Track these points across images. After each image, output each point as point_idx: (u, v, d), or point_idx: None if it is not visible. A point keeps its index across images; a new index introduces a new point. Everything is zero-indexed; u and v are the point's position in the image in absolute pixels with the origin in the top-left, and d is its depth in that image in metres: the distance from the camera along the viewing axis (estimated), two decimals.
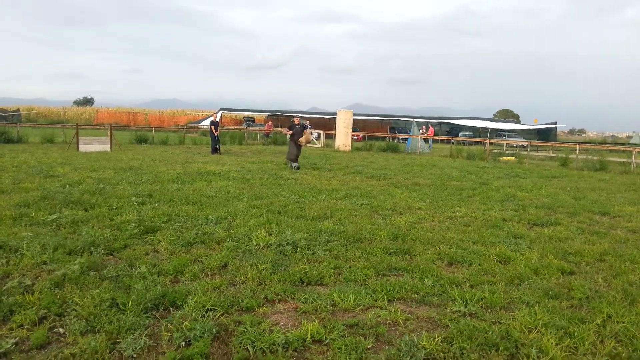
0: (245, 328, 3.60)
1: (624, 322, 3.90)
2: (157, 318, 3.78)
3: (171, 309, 3.95)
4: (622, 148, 27.67)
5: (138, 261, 5.08)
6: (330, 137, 33.16)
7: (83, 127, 28.80)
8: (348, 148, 27.68)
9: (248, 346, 3.35)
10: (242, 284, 4.61)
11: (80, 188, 9.34)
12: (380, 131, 48.49)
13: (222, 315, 3.85)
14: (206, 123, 43.49)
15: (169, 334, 3.47)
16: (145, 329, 3.55)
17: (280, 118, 56.43)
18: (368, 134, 36.84)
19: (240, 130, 36.15)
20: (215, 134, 21.11)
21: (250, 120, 56.00)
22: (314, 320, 3.78)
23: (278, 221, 7.14)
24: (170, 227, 6.55)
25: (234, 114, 60.31)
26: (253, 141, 32.40)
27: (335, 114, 34.76)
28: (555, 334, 3.64)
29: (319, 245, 5.92)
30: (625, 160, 21.23)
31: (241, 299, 4.18)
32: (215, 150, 20.96)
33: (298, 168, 15.17)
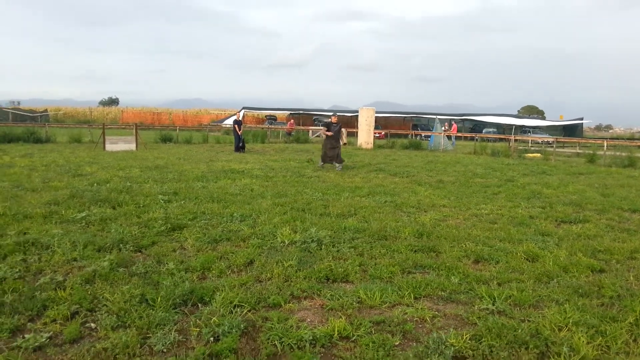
0: (272, 324, 3.62)
1: None
2: (186, 314, 3.83)
3: (199, 304, 3.99)
4: None
5: (166, 258, 5.15)
6: (352, 134, 33.12)
7: (109, 126, 29.32)
8: (370, 146, 27.61)
9: (276, 342, 3.37)
10: (268, 280, 4.64)
11: (108, 186, 9.51)
12: (402, 129, 48.23)
13: (249, 311, 3.88)
14: (229, 122, 43.88)
15: (198, 329, 3.52)
16: (175, 325, 3.61)
17: (302, 116, 56.53)
18: (390, 131, 36.66)
19: (262, 128, 36.36)
20: (239, 133, 21.27)
21: (272, 119, 56.24)
22: (341, 317, 3.79)
23: (302, 218, 7.16)
24: (196, 225, 6.63)
25: (256, 112, 60.63)
26: (275, 139, 32.56)
27: (356, 111, 34.70)
28: (586, 333, 3.58)
29: (344, 243, 5.92)
30: None
31: (268, 295, 4.21)
32: (239, 148, 21.12)
33: (322, 167, 14.95)
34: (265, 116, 58.69)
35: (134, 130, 22.54)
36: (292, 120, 42.82)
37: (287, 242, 5.87)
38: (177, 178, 11.26)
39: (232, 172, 12.85)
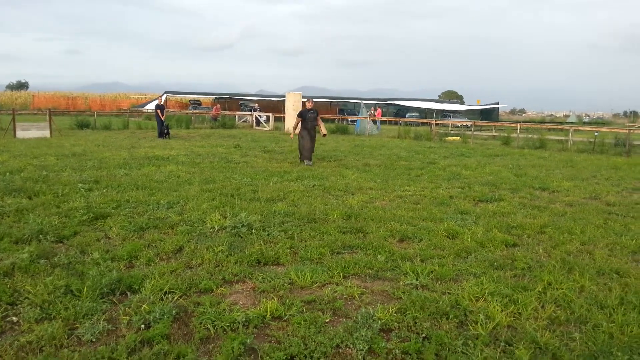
0: (204, 308, 3.64)
1: (562, 289, 4.19)
2: (115, 303, 3.75)
3: (128, 293, 3.92)
4: (559, 127, 29.05)
5: (90, 248, 4.98)
6: (279, 119, 33.04)
7: (19, 112, 27.37)
8: (297, 130, 27.69)
9: (209, 325, 3.39)
10: (199, 266, 4.62)
11: (22, 176, 8.97)
12: (329, 113, 48.65)
13: (180, 297, 3.87)
14: (150, 107, 42.33)
15: (128, 317, 3.46)
16: (103, 314, 3.53)
17: (228, 101, 55.58)
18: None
19: (187, 113, 35.41)
20: (162, 118, 20.62)
21: (196, 104, 54.84)
22: (273, 298, 3.86)
23: (232, 204, 7.14)
24: (121, 213, 6.43)
25: (179, 97, 58.87)
26: (200, 125, 31.82)
27: (283, 96, 34.61)
28: (500, 302, 3.88)
29: (274, 227, 5.99)
30: (562, 138, 22.34)
31: (199, 280, 4.20)
32: (162, 134, 20.49)
33: (310, 163, 12.42)
34: (189, 101, 57.14)
35: (48, 116, 21.23)
36: (217, 105, 41.94)
37: (217, 228, 5.85)
38: (97, 166, 10.80)
39: (157, 159, 12.49)
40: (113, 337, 3.23)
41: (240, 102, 55.65)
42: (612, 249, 5.48)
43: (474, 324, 3.52)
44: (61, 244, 5.16)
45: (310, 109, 12.92)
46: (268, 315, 3.58)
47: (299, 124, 12.95)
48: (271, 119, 31.58)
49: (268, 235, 5.66)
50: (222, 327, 3.39)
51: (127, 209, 6.64)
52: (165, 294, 3.88)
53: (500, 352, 3.15)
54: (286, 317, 3.59)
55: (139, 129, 25.92)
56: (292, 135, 13.13)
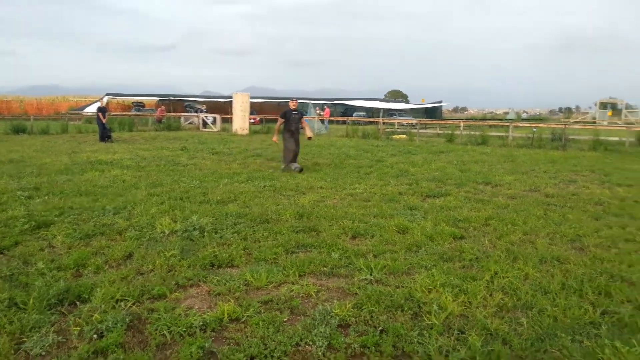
0: (159, 315, 3.56)
1: (508, 277, 4.38)
2: (64, 313, 3.61)
3: (77, 303, 3.78)
4: (500, 123, 30.21)
5: (33, 257, 4.76)
6: (227, 121, 32.68)
7: None
8: (246, 132, 27.47)
9: (165, 332, 3.33)
10: (151, 272, 4.52)
11: None
12: (277, 114, 48.54)
13: (133, 304, 3.77)
14: (91, 109, 40.84)
15: (79, 328, 3.34)
16: (52, 326, 3.39)
17: (173, 103, 54.43)
18: (265, 116, 36.72)
19: (129, 116, 34.41)
20: (104, 121, 19.95)
21: (140, 106, 53.40)
22: (229, 301, 3.83)
23: (181, 207, 7.01)
24: (65, 220, 6.18)
25: (121, 99, 57.15)
26: (144, 127, 31.01)
27: (230, 97, 34.22)
28: (451, 292, 4.02)
29: (227, 229, 5.93)
30: (503, 134, 23.25)
31: (151, 287, 4.10)
32: (104, 137, 19.81)
33: (301, 170, 11.12)
34: (132, 103, 55.57)
35: None
36: (162, 107, 40.95)
37: (167, 232, 5.73)
38: (36, 172, 10.31)
39: (100, 164, 12.09)
40: (64, 349, 3.11)
41: (186, 103, 54.62)
42: (552, 238, 5.76)
43: (427, 315, 3.63)
44: (1, 255, 4.91)
45: (294, 110, 11.83)
46: (225, 318, 3.56)
47: (281, 125, 11.90)
48: (218, 120, 31.17)
49: (221, 237, 5.61)
50: (178, 332, 3.33)
51: (71, 216, 6.40)
52: (117, 302, 3.77)
53: (454, 340, 3.26)
54: (244, 319, 3.57)
55: (79, 133, 24.98)
56: (274, 138, 11.97)
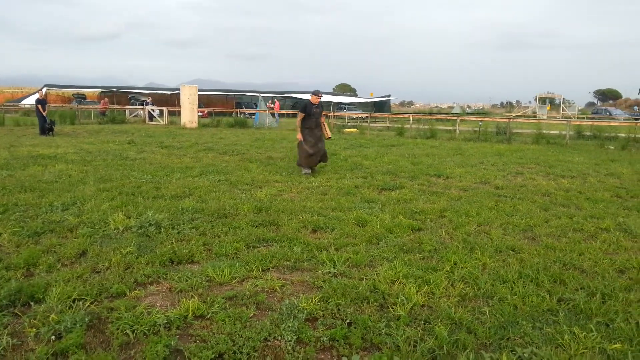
0: (120, 314, 3.43)
1: (467, 267, 4.49)
2: (17, 315, 3.41)
3: (31, 303, 3.59)
4: (447, 117, 30.97)
5: None
6: (174, 113, 31.93)
7: None
8: (195, 125, 26.94)
9: (127, 331, 3.20)
10: (107, 270, 4.34)
11: None
12: (226, 107, 47.82)
13: (92, 303, 3.61)
14: (29, 101, 38.89)
15: (35, 329, 3.17)
16: (5, 328, 3.19)
17: (117, 95, 52.60)
18: (214, 109, 36.10)
19: (71, 108, 32.99)
20: (43, 113, 19.03)
21: (81, 98, 51.29)
22: (193, 297, 3.74)
23: (134, 203, 6.79)
24: (10, 218, 5.86)
25: (61, 90, 54.71)
26: (87, 120, 29.87)
27: (176, 89, 33.44)
28: (414, 283, 4.08)
29: (184, 224, 5.79)
30: (450, 128, 23.85)
31: (109, 285, 3.95)
32: (45, 130, 18.90)
33: (311, 172, 10.10)
34: (73, 95, 53.31)
35: None
36: (105, 99, 39.40)
37: (121, 229, 5.53)
38: None
39: (42, 158, 11.54)
40: (20, 352, 2.94)
41: (131, 95, 52.90)
42: (505, 228, 5.96)
43: (393, 306, 3.67)
44: None
45: (316, 104, 10.32)
46: (190, 315, 3.47)
47: (300, 120, 10.35)
48: (165, 113, 30.37)
49: (178, 233, 5.47)
50: (142, 331, 3.22)
51: (17, 213, 6.07)
52: (74, 302, 3.60)
53: (421, 330, 3.32)
54: (209, 315, 3.49)
55: (18, 126, 23.77)
56: (299, 136, 10.33)
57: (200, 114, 32.49)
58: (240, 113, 35.54)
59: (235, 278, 4.22)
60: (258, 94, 38.78)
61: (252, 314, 3.54)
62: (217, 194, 7.57)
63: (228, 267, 4.36)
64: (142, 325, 3.27)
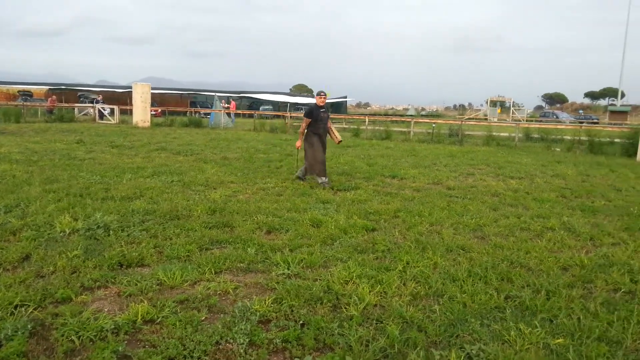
0: (65, 319, 3.30)
1: (419, 267, 4.58)
2: None
3: None
4: (402, 119, 31.46)
5: None
6: (126, 112, 31.12)
7: None
8: (147, 124, 26.31)
9: (73, 337, 3.09)
10: (52, 274, 4.18)
11: None
12: (180, 106, 46.95)
13: (35, 309, 3.47)
14: None
15: None
16: None
17: (65, 92, 50.75)
18: (168, 108, 35.38)
19: (16, 106, 31.61)
20: None
21: (27, 95, 49.22)
22: (142, 301, 3.65)
23: (82, 204, 6.56)
24: None
25: (4, 87, 52.35)
26: (33, 118, 28.67)
27: (128, 87, 32.59)
28: (367, 283, 4.12)
29: (134, 226, 5.64)
30: (405, 129, 24.24)
31: (54, 290, 3.80)
32: None
33: (328, 184, 8.82)
34: (18, 92, 51.11)
35: None
36: (53, 97, 37.91)
37: (68, 231, 5.34)
38: None
39: None
40: None
41: (80, 93, 51.17)
42: (456, 228, 6.11)
43: (346, 306, 3.70)
44: None
45: (322, 107, 9.09)
46: (139, 320, 3.38)
47: (306, 124, 9.10)
48: (116, 111, 29.55)
49: (128, 235, 5.32)
50: (88, 337, 3.11)
51: None
52: (15, 308, 3.44)
53: (373, 330, 3.35)
54: (159, 320, 3.41)
55: None
56: (298, 144, 9.22)
57: (154, 113, 31.79)
58: (195, 112, 34.98)
59: (187, 281, 4.14)
60: (214, 93, 38.28)
61: (203, 318, 3.49)
62: (170, 195, 7.42)
63: (180, 270, 4.28)
64: (88, 331, 3.16)
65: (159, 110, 36.77)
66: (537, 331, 3.34)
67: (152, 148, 14.41)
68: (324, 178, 8.78)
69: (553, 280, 4.35)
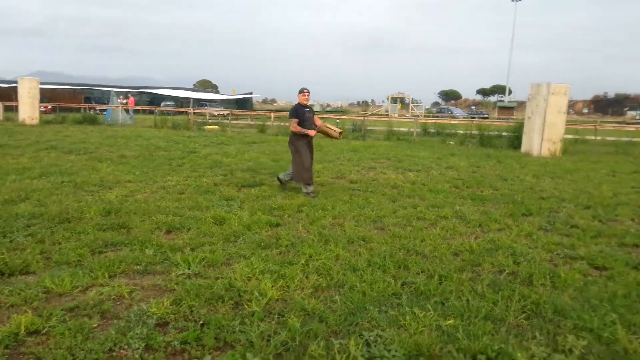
0: None
1: (322, 259, 4.65)
2: None
3: None
4: None
5: None
6: (11, 109, 28.63)
7: None
8: (36, 121, 24.37)
9: None
10: None
11: None
12: (73, 102, 43.96)
13: None
14: None
15: None
16: None
17: None
18: (59, 105, 33.00)
19: None
20: None
21: None
22: (26, 312, 3.37)
23: None
24: None
25: None
26: None
27: (15, 82, 30.03)
28: (270, 278, 4.12)
29: (18, 231, 5.21)
30: None
31: None
32: None
33: (314, 194, 7.90)
34: None
35: None
36: None
37: None
38: None
39: None
40: None
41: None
42: (357, 220, 6.28)
43: (248, 303, 3.67)
44: None
45: (306, 106, 8.19)
46: (22, 331, 3.12)
47: (295, 125, 8.09)
48: (0, 107, 27.08)
49: (11, 241, 4.90)
50: None
51: None
52: None
53: (274, 324, 3.35)
54: (45, 330, 3.17)
55: None
56: (312, 133, 8.16)
57: (43, 109, 29.51)
58: (90, 109, 32.96)
59: (78, 287, 3.89)
60: (110, 89, 36.31)
61: (95, 325, 3.29)
62: (60, 197, 6.93)
63: (69, 276, 4.02)
64: None
65: (49, 107, 34.22)
66: (430, 314, 3.52)
67: (40, 147, 13.36)
68: (310, 187, 8.02)
69: (445, 265, 4.61)
